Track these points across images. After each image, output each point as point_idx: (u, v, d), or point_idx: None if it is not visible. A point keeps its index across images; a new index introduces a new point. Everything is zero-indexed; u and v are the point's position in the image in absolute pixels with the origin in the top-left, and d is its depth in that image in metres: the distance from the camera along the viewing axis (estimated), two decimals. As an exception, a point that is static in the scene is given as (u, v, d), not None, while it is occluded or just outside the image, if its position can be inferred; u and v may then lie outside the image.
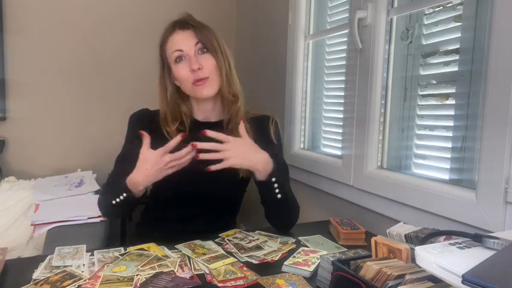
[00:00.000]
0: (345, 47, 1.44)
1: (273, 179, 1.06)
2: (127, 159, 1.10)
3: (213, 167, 1.00)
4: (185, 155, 1.01)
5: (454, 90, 1.05)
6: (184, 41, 1.12)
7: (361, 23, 1.27)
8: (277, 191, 1.08)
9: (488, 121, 0.88)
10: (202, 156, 1.00)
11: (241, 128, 1.06)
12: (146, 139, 1.03)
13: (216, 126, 1.18)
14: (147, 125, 1.14)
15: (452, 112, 1.06)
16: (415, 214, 1.07)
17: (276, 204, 1.10)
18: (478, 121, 0.96)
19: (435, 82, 1.12)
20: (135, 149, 1.06)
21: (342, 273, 0.73)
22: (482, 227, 0.88)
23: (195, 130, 1.15)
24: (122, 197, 1.06)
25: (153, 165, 1.01)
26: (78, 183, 1.93)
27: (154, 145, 1.05)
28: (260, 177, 1.06)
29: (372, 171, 1.26)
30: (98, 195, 1.77)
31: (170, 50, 1.14)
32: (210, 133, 1.01)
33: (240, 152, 1.02)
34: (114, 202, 1.08)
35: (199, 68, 1.10)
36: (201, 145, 1.01)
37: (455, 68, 1.05)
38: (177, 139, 1.01)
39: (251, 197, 1.27)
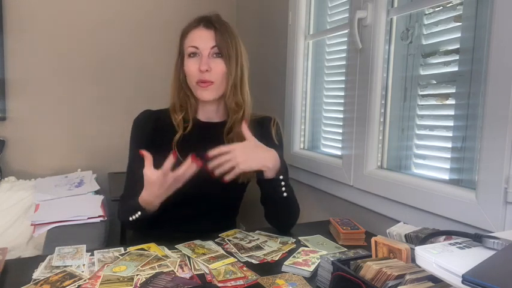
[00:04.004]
0: (345, 47, 1.44)
1: (281, 177, 1.07)
2: (140, 168, 1.11)
3: (227, 178, 0.99)
4: (187, 170, 0.97)
5: (454, 90, 1.05)
6: (202, 40, 1.13)
7: (361, 23, 1.27)
8: (283, 189, 1.08)
9: (488, 121, 0.88)
10: (212, 165, 0.99)
11: (245, 129, 1.05)
12: (147, 160, 0.98)
13: (218, 127, 1.19)
14: (151, 125, 1.17)
15: (452, 112, 1.06)
16: (415, 214, 1.07)
17: (279, 203, 1.10)
18: (478, 121, 0.96)
19: (435, 82, 1.12)
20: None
21: (342, 273, 0.73)
22: (482, 227, 0.88)
23: (197, 129, 1.17)
24: (137, 215, 1.06)
25: (160, 185, 0.98)
26: (78, 183, 1.93)
27: (161, 143, 1.12)
28: (269, 175, 1.06)
29: (372, 171, 1.26)
30: (98, 196, 1.81)
31: (188, 43, 1.15)
32: (212, 153, 0.99)
33: (248, 156, 1.01)
34: (131, 219, 1.08)
35: (207, 70, 1.11)
36: (212, 153, 0.99)
37: (455, 68, 1.05)
38: (170, 160, 0.96)
39: (251, 197, 1.27)
